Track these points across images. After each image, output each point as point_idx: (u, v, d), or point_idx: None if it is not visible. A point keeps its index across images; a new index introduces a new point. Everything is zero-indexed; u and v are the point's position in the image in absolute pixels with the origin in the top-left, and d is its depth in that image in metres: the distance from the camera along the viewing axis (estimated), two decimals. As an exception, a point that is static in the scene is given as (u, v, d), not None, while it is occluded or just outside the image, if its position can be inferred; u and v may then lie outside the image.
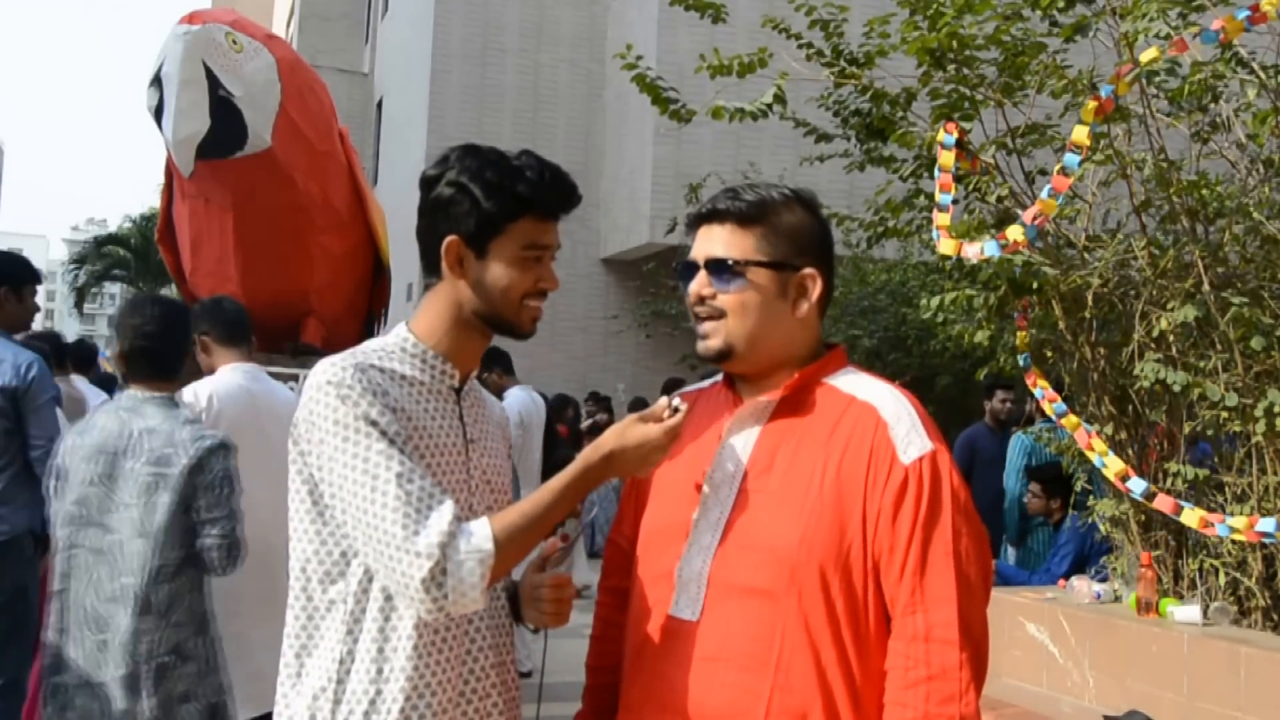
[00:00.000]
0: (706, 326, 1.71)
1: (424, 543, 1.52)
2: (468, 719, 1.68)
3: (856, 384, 1.70)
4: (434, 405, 1.71)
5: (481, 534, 1.56)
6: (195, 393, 3.85)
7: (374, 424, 1.59)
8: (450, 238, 1.69)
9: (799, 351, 1.72)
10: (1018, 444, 6.45)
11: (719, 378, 1.84)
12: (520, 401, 6.48)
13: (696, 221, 1.76)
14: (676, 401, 1.68)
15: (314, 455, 1.63)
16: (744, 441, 1.70)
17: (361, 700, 1.62)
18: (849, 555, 1.58)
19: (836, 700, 1.56)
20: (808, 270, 1.71)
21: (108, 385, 7.42)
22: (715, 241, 1.71)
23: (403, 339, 1.75)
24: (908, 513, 1.56)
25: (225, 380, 3.91)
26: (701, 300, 1.71)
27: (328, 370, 1.64)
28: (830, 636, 1.57)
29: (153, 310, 3.18)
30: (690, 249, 1.77)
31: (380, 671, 1.62)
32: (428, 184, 1.73)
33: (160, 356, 3.15)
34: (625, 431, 1.66)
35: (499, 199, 1.67)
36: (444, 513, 1.55)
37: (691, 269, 1.73)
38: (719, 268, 1.69)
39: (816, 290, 1.71)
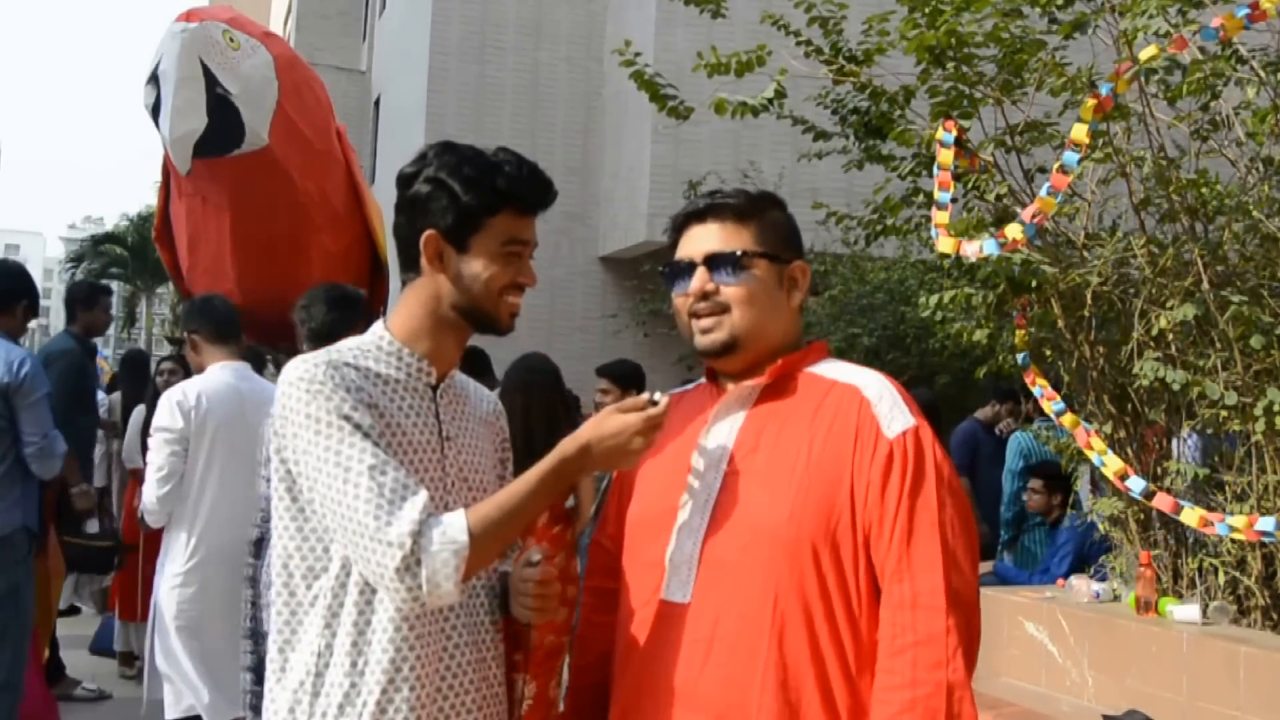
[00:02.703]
0: (708, 322, 1.72)
1: (395, 532, 1.53)
2: (444, 714, 1.68)
3: (838, 370, 1.75)
4: (409, 402, 1.71)
5: (456, 526, 1.57)
6: (184, 391, 3.85)
7: (346, 418, 1.60)
8: (429, 232, 1.69)
9: (789, 343, 1.77)
10: (1015, 444, 6.44)
11: (702, 380, 1.87)
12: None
13: (686, 221, 1.79)
14: (657, 395, 1.68)
15: (289, 451, 1.64)
16: (729, 426, 1.72)
17: (336, 693, 1.62)
18: (837, 530, 1.60)
19: (830, 675, 1.58)
20: (797, 263, 1.77)
21: (109, 384, 7.40)
22: (712, 238, 1.74)
23: (379, 337, 1.75)
24: (895, 484, 1.59)
25: (214, 379, 3.91)
26: (705, 296, 1.72)
27: (299, 367, 1.65)
28: (823, 611, 1.58)
29: None
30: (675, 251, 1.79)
31: (355, 664, 1.62)
32: (405, 181, 1.74)
33: None
34: (602, 422, 1.66)
35: (477, 193, 1.68)
36: (416, 503, 1.56)
37: (687, 268, 1.74)
38: (723, 261, 1.71)
39: (805, 282, 1.78)
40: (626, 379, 5.43)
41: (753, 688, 1.57)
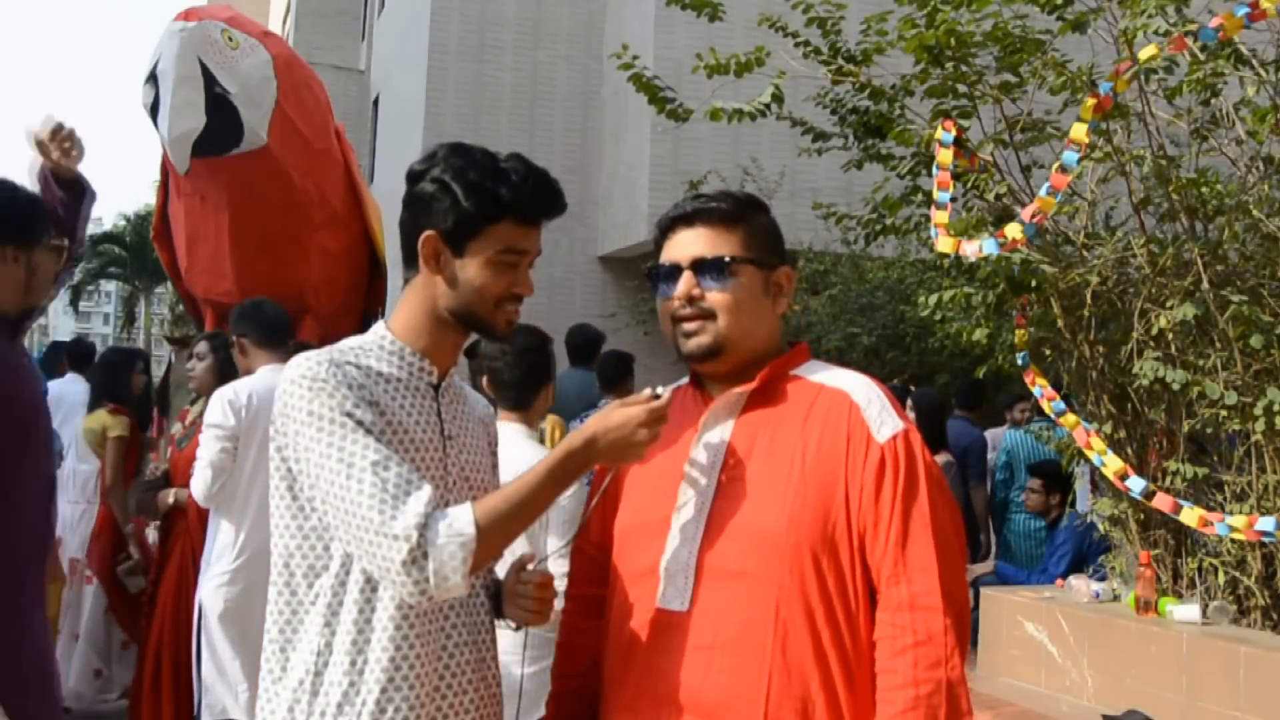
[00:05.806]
0: (692, 326, 1.72)
1: (400, 526, 1.53)
2: (442, 713, 1.68)
3: (823, 373, 1.76)
4: (411, 401, 1.72)
5: (463, 519, 1.57)
6: (235, 390, 3.90)
7: (349, 415, 1.60)
8: (428, 232, 1.69)
9: (772, 347, 1.78)
10: (1003, 442, 6.46)
11: (684, 380, 1.86)
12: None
13: (673, 225, 1.78)
14: (660, 388, 1.68)
15: (290, 449, 1.64)
16: (720, 433, 1.73)
17: (335, 692, 1.62)
18: (834, 533, 1.62)
19: (834, 677, 1.60)
20: (782, 269, 1.78)
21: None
22: (699, 242, 1.73)
23: (380, 336, 1.76)
24: (888, 488, 1.62)
25: (264, 380, 3.94)
26: (690, 301, 1.71)
27: (301, 365, 1.65)
28: (824, 614, 1.61)
29: None
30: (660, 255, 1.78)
31: (354, 663, 1.62)
32: (413, 178, 1.74)
33: None
34: (607, 415, 1.66)
35: (479, 200, 1.67)
36: (420, 497, 1.56)
37: (673, 272, 1.74)
38: (710, 267, 1.71)
39: (790, 288, 1.78)
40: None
41: (759, 692, 1.58)
